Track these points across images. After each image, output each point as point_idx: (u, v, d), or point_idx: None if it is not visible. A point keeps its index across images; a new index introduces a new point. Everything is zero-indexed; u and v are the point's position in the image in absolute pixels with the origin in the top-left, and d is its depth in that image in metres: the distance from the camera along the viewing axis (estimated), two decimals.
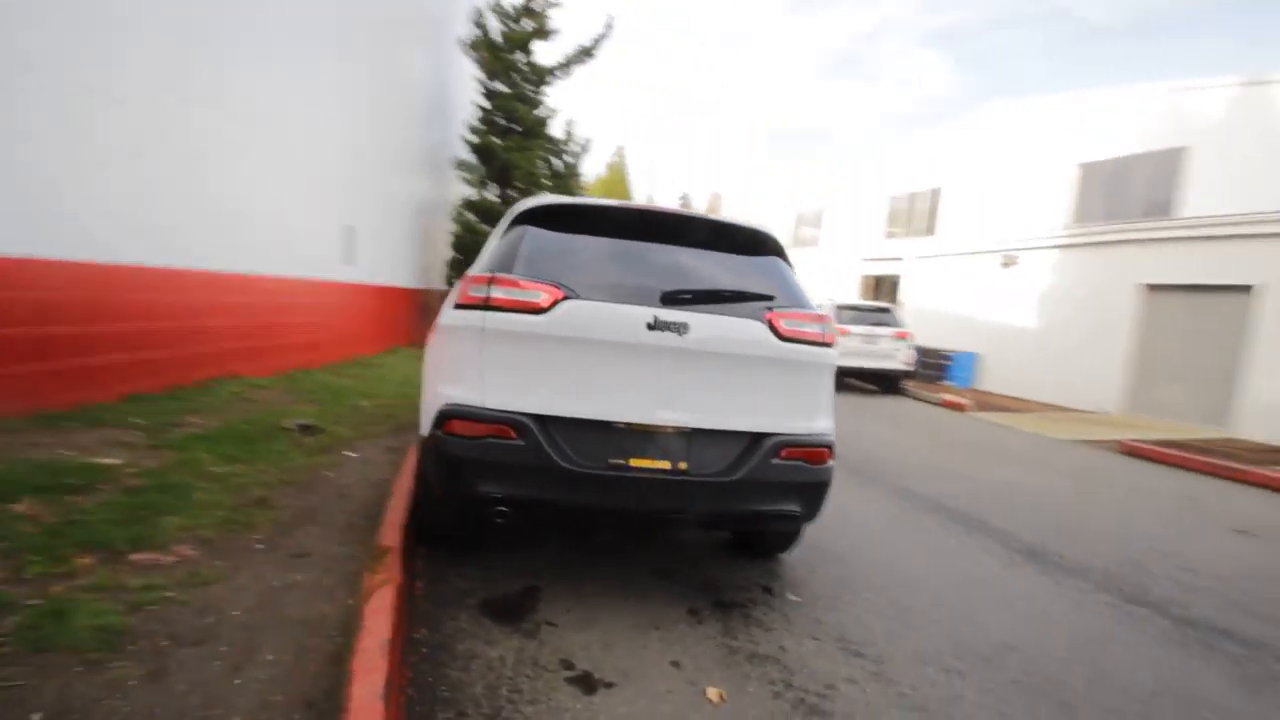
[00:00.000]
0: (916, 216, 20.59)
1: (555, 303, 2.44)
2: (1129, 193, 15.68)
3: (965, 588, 3.31)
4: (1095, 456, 7.84)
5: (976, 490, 5.42)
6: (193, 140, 5.20)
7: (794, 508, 2.64)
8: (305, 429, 4.70)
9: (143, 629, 2.00)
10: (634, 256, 2.74)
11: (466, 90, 11.13)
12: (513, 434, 2.39)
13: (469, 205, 10.38)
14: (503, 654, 2.25)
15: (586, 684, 2.11)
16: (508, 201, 10.44)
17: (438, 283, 10.98)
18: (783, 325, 2.64)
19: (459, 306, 2.55)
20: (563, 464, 2.38)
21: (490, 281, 2.48)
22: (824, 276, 23.48)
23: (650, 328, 2.48)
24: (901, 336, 11.96)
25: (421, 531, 2.91)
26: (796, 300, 2.77)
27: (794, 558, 3.41)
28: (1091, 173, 16.32)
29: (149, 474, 3.24)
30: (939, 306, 17.68)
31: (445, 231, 10.82)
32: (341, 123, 7.60)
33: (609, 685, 2.12)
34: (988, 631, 2.80)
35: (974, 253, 15.46)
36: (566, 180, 12.48)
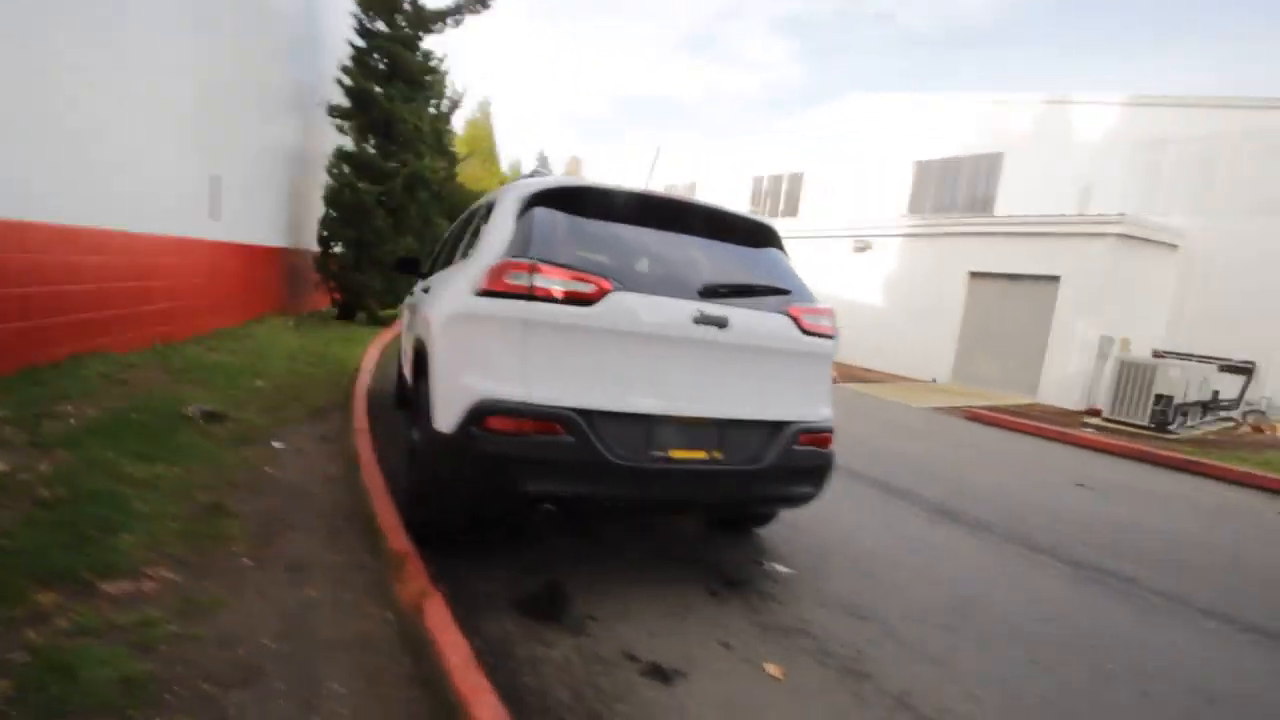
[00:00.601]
0: (780, 198, 21.98)
1: (603, 294, 2.37)
2: (956, 190, 17.96)
3: (909, 547, 3.76)
4: (949, 421, 9.08)
5: (873, 456, 6.08)
6: (34, 65, 4.18)
7: (809, 489, 2.83)
8: (210, 416, 4.10)
9: (171, 674, 1.72)
10: (654, 245, 2.71)
11: (340, 25, 9.93)
12: (561, 430, 2.31)
13: (346, 158, 9.37)
14: (565, 654, 2.21)
15: (659, 675, 2.15)
16: (389, 157, 9.57)
17: (309, 242, 9.87)
18: (805, 320, 2.78)
19: (488, 294, 2.38)
20: (612, 459, 2.35)
21: (532, 269, 2.34)
22: None
23: (696, 322, 2.50)
24: None
25: (426, 534, 2.71)
26: (804, 294, 2.92)
27: (762, 531, 3.65)
28: (925, 170, 18.42)
29: (57, 481, 2.69)
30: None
31: (318, 185, 9.69)
32: (204, 54, 6.47)
33: (680, 674, 2.18)
34: (949, 587, 3.23)
35: (833, 236, 16.84)
36: (441, 136, 11.69)
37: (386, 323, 10.20)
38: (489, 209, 2.99)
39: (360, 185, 9.08)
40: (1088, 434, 8.70)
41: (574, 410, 2.33)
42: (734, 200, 23.17)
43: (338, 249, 9.55)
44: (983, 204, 17.06)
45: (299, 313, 9.74)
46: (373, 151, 9.53)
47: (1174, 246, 12.87)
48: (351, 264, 9.53)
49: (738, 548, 3.41)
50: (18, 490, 2.57)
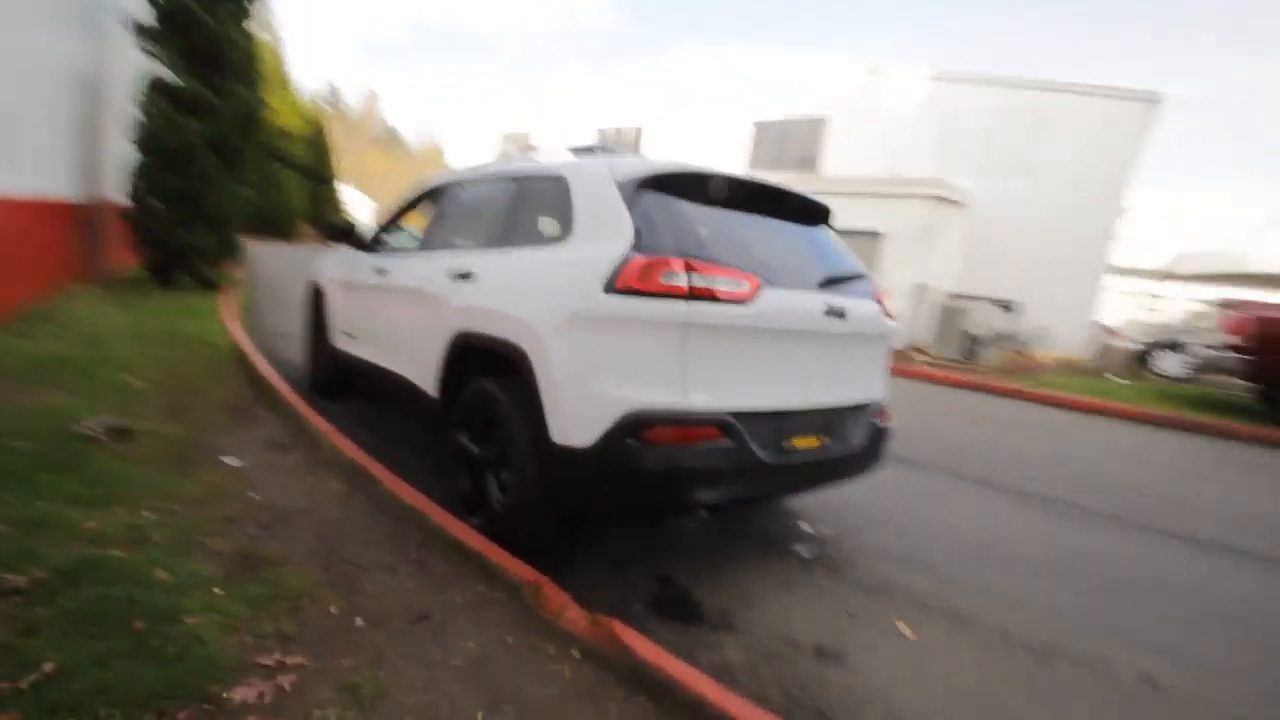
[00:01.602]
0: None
1: (757, 292, 2.26)
2: (789, 150, 19.40)
3: (907, 494, 4.21)
4: None
5: None
6: None
7: (879, 461, 3.03)
8: (117, 433, 3.23)
9: None
10: (760, 234, 2.64)
11: None
12: (721, 435, 2.21)
13: (164, 92, 7.48)
14: (739, 654, 2.19)
15: (827, 656, 2.23)
16: (226, 95, 7.83)
17: (111, 192, 7.84)
18: (886, 304, 2.91)
19: (631, 293, 2.15)
20: (763, 458, 2.31)
21: (689, 268, 2.15)
22: None
23: (825, 314, 2.50)
24: None
25: (520, 550, 2.45)
26: (867, 275, 3.04)
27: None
28: (763, 130, 19.61)
29: (15, 561, 1.98)
30: None
31: (119, 122, 7.67)
32: None
33: (841, 653, 2.28)
34: (966, 531, 3.69)
35: None
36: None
37: (215, 286, 8.56)
38: (557, 189, 2.66)
39: (185, 124, 7.35)
40: (923, 367, 10.26)
41: (731, 413, 2.24)
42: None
43: (156, 201, 7.72)
44: (809, 165, 18.66)
45: (103, 281, 7.80)
46: (196, 83, 7.72)
47: (963, 205, 15.26)
48: (176, 219, 7.78)
49: (773, 515, 3.56)
50: None
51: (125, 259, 8.63)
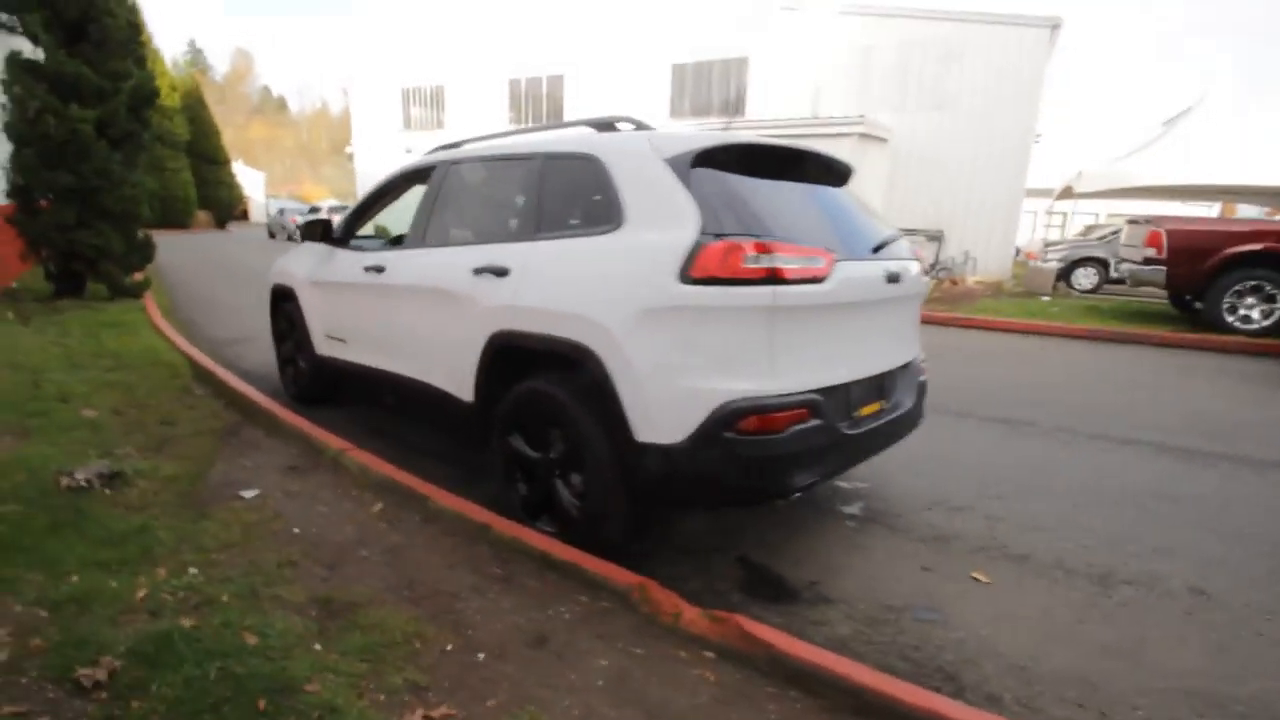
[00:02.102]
0: (543, 103, 21.03)
1: (831, 267, 2.22)
2: (710, 92, 19.14)
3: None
4: None
5: None
6: None
7: (923, 417, 3.11)
8: (110, 480, 2.91)
9: None
10: (811, 203, 2.58)
11: None
12: (810, 415, 2.19)
13: (32, 70, 6.49)
14: (846, 627, 2.24)
15: (928, 615, 2.32)
16: (100, 70, 6.88)
17: None
18: (922, 262, 2.94)
19: (711, 281, 2.07)
20: (845, 431, 2.33)
21: (768, 249, 2.08)
22: None
23: (887, 281, 2.49)
24: None
25: (603, 551, 2.39)
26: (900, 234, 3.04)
27: None
28: (681, 73, 19.22)
29: (79, 648, 1.76)
30: None
31: None
32: None
33: (936, 609, 2.38)
34: (981, 468, 3.88)
35: None
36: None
37: (136, 293, 7.74)
38: (590, 171, 2.49)
39: (69, 110, 6.44)
40: None
41: (815, 392, 2.22)
42: (491, 109, 21.54)
43: (44, 200, 6.81)
44: (735, 107, 18.52)
45: None
46: (77, 63, 6.74)
47: (886, 141, 15.65)
48: (72, 220, 6.91)
49: None
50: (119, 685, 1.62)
51: (13, 268, 7.65)
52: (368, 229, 4.33)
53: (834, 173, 2.82)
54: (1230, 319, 8.09)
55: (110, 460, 3.09)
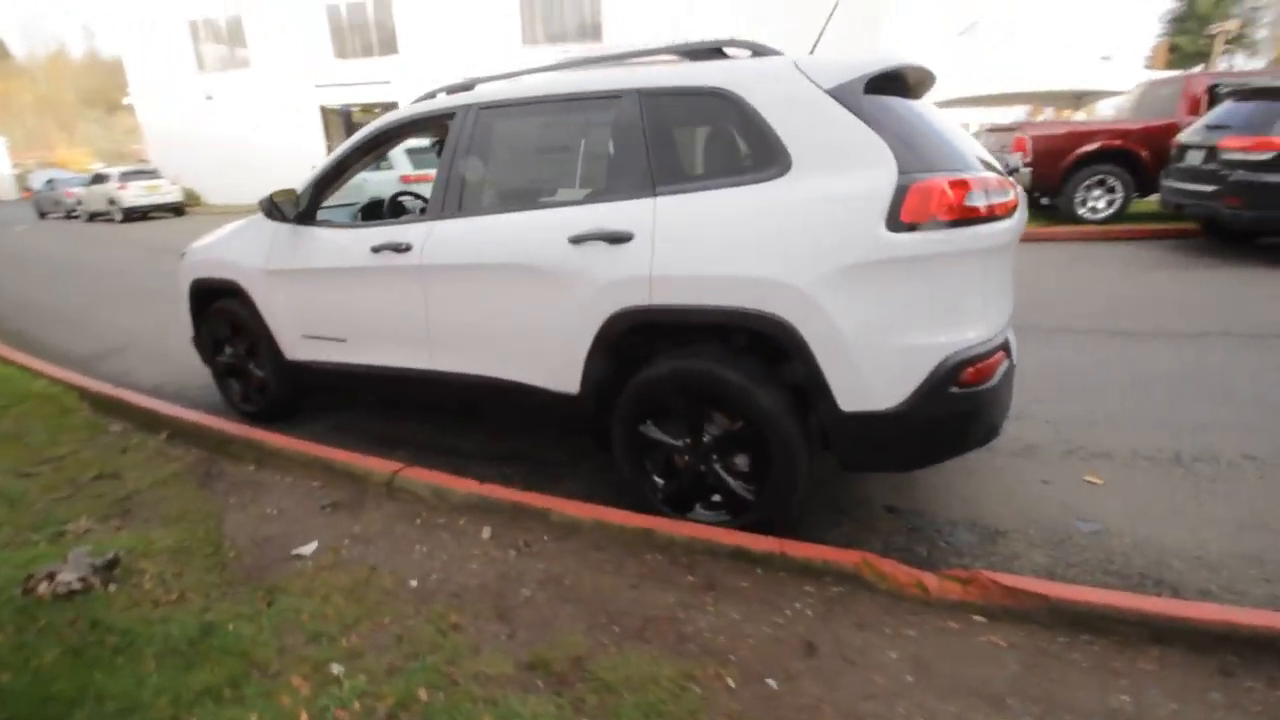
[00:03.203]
0: (371, 32, 18.53)
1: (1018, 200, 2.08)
2: (564, 18, 17.96)
3: None
4: None
5: None
6: None
7: None
8: (108, 570, 2.21)
9: None
10: (937, 123, 2.38)
11: None
12: (1005, 356, 2.11)
13: None
14: (1041, 556, 2.26)
15: (1090, 528, 2.43)
16: None
17: None
18: None
19: (929, 224, 1.86)
20: (1013, 369, 2.27)
21: (980, 184, 1.90)
22: (265, 112, 19.32)
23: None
24: None
25: (781, 530, 2.21)
26: None
27: None
28: None
29: None
30: None
31: None
32: None
33: (1086, 519, 2.48)
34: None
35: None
36: None
37: None
38: (722, 108, 2.12)
39: None
40: None
41: (1000, 334, 2.13)
42: (307, 41, 18.60)
43: None
44: (594, 32, 17.57)
45: None
46: None
47: None
48: None
49: None
50: None
51: None
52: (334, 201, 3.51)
53: (927, 84, 2.64)
54: (1081, 211, 9.26)
55: (90, 546, 2.31)
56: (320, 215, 3.20)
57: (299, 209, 3.07)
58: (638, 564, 2.18)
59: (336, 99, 18.96)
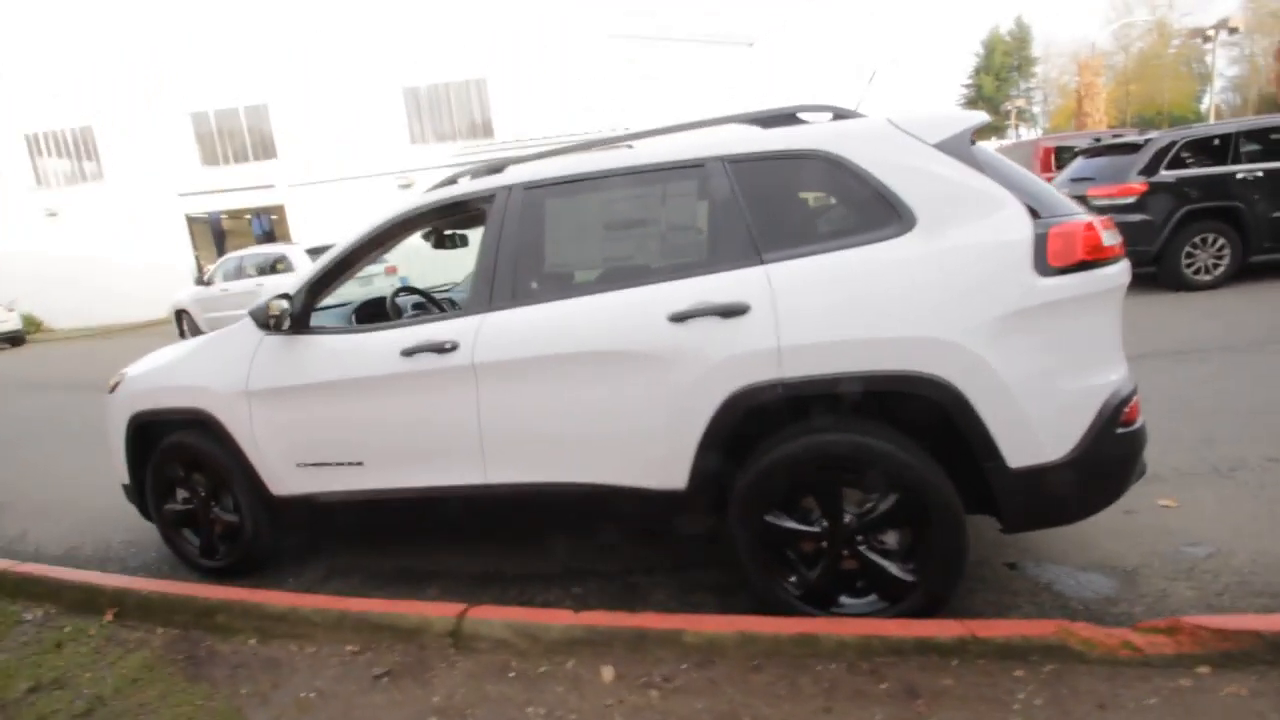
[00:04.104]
0: (245, 137, 17.66)
1: None
2: (452, 116, 18.15)
3: None
4: None
5: None
6: None
7: None
8: None
9: None
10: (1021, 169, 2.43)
11: None
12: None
13: None
14: (1187, 588, 2.20)
15: (1202, 553, 2.42)
16: None
17: None
18: None
19: (1078, 267, 1.85)
20: None
21: (1105, 226, 1.93)
22: (120, 225, 17.67)
23: None
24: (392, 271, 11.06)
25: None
26: None
27: None
28: (414, 96, 17.86)
29: None
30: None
31: None
32: None
33: (1192, 543, 2.47)
34: None
35: (369, 176, 14.99)
36: None
37: None
38: (827, 171, 2.04)
39: None
40: None
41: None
42: (170, 148, 17.40)
43: None
44: (484, 129, 17.84)
45: None
46: None
47: None
48: None
49: None
50: None
51: None
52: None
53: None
54: None
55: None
56: (320, 320, 2.75)
57: (292, 314, 2.62)
58: (813, 680, 1.87)
59: (204, 206, 17.70)
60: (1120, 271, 1.96)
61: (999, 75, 50.51)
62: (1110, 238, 1.93)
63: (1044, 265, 1.84)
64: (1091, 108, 33.20)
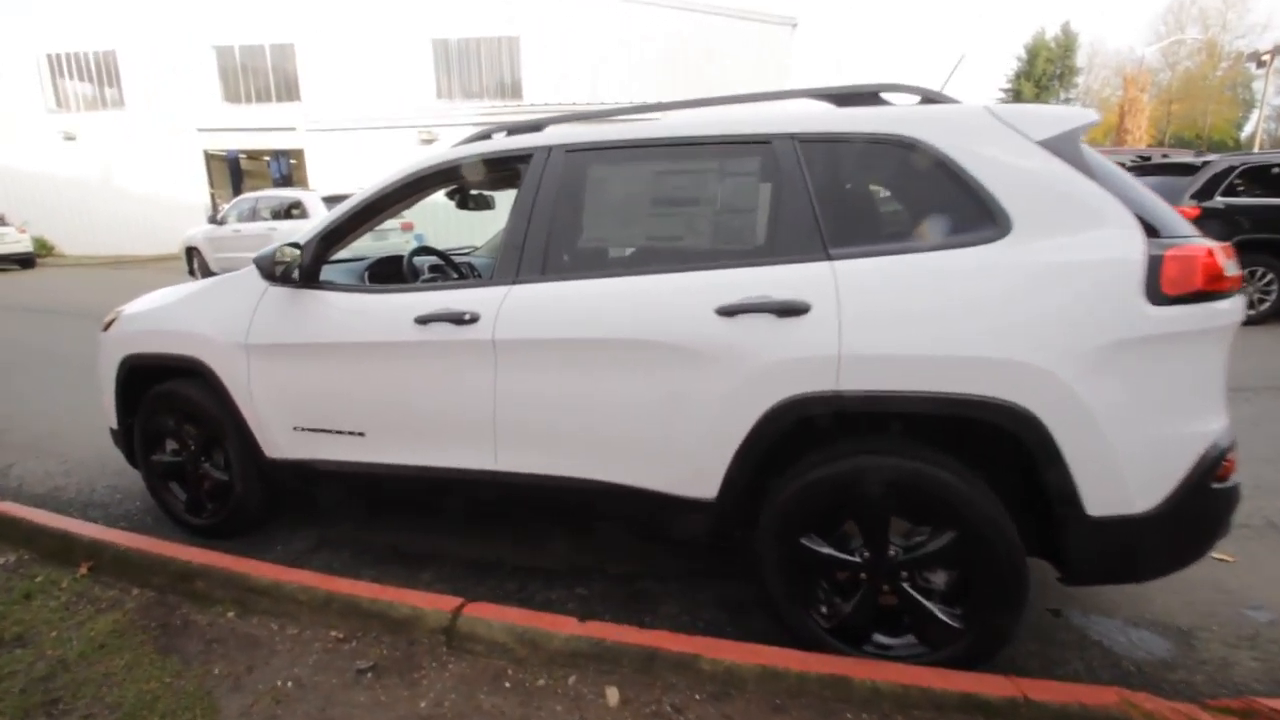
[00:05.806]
0: (269, 77, 17.29)
1: None
2: (480, 73, 17.71)
3: None
4: None
5: None
6: None
7: None
8: None
9: None
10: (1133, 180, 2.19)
11: None
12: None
13: None
14: (1249, 657, 2.02)
15: (1260, 611, 2.22)
16: None
17: None
18: None
19: (1194, 297, 1.62)
20: None
21: (1226, 253, 1.68)
22: (137, 155, 17.41)
23: None
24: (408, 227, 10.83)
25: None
26: None
27: None
28: (443, 49, 17.41)
29: None
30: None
31: None
32: None
33: (1253, 606, 2.28)
34: None
35: (388, 127, 14.65)
36: None
37: None
38: (917, 161, 1.80)
39: None
40: None
41: None
42: (193, 82, 17.05)
43: None
44: (513, 90, 17.41)
45: None
46: None
47: None
48: None
49: None
50: None
51: None
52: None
53: None
54: None
55: None
56: (331, 275, 2.55)
57: (301, 266, 2.41)
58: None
59: (223, 144, 17.37)
60: (1236, 307, 1.72)
61: (1039, 82, 49.21)
62: (1232, 267, 1.69)
63: (1156, 292, 1.61)
64: (1133, 124, 32.25)
